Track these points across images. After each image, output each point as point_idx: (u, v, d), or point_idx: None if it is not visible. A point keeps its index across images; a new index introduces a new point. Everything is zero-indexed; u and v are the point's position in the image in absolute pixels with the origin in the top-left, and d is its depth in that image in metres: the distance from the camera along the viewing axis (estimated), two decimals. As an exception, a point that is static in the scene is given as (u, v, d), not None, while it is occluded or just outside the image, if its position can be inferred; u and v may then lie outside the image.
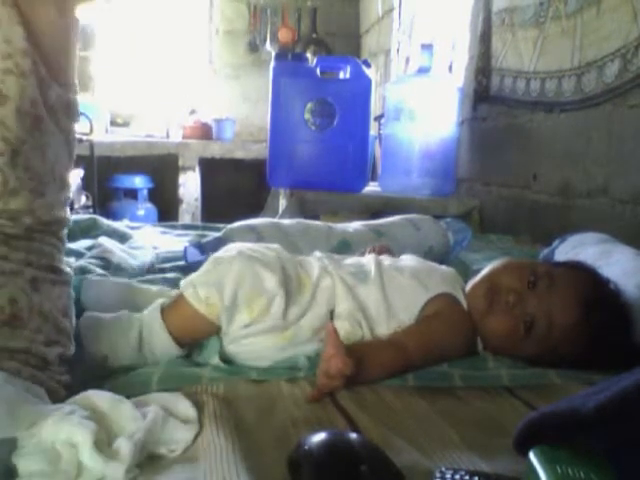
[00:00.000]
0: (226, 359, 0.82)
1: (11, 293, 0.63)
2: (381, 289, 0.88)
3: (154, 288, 0.98)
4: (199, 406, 0.67)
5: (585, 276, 0.89)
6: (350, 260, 0.95)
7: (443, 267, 0.99)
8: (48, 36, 0.66)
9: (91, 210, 2.96)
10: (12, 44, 0.61)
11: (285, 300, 0.81)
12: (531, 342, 0.85)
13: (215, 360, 0.81)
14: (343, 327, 0.85)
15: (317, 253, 0.97)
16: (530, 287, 0.86)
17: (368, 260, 0.94)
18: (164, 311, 0.83)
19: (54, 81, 0.67)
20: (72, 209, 2.41)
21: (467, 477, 0.52)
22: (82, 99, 0.73)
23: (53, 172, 0.68)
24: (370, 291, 0.88)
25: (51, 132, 0.67)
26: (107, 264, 1.17)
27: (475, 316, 0.89)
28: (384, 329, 0.86)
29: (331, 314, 0.86)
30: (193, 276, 0.83)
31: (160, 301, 0.85)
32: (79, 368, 0.72)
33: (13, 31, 0.62)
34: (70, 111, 0.70)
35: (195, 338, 0.83)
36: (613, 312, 0.86)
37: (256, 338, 0.81)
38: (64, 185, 0.71)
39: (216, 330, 0.82)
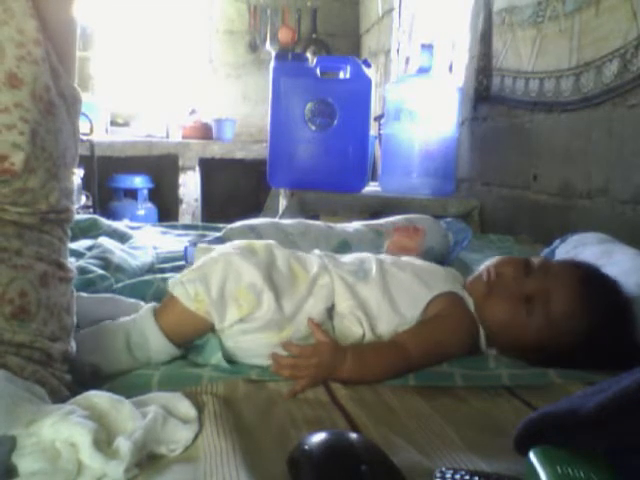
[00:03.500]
0: (227, 358, 0.82)
1: (21, 286, 0.64)
2: (383, 287, 0.88)
3: (140, 303, 0.98)
4: (199, 406, 0.67)
5: (581, 266, 0.91)
6: (350, 258, 0.95)
7: (445, 267, 0.99)
8: (58, 29, 0.70)
9: (91, 210, 2.96)
10: (25, 34, 0.65)
11: (274, 294, 0.81)
12: (532, 327, 0.85)
13: (215, 360, 0.80)
14: (343, 325, 0.85)
15: (316, 251, 0.97)
16: (527, 274, 0.88)
17: (369, 258, 0.95)
18: (156, 313, 0.83)
19: (64, 72, 0.70)
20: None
21: (467, 477, 0.52)
22: (82, 99, 0.74)
23: (64, 158, 0.70)
24: (371, 289, 0.88)
25: (62, 120, 0.69)
26: (107, 264, 1.17)
27: (477, 302, 0.89)
28: (386, 327, 0.86)
29: (330, 312, 0.86)
30: (180, 275, 0.84)
31: (151, 305, 0.85)
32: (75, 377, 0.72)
33: (26, 22, 0.66)
34: (77, 105, 0.73)
35: (189, 336, 0.83)
36: (612, 297, 0.87)
37: (254, 335, 0.81)
38: (71, 176, 0.73)
39: (209, 327, 0.82)
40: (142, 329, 0.81)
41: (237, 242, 0.89)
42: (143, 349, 0.81)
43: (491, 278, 0.90)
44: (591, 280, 0.88)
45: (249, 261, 0.83)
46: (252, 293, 0.80)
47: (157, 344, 0.81)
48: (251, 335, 0.81)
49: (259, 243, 0.89)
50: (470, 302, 0.90)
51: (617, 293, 0.88)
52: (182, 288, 0.81)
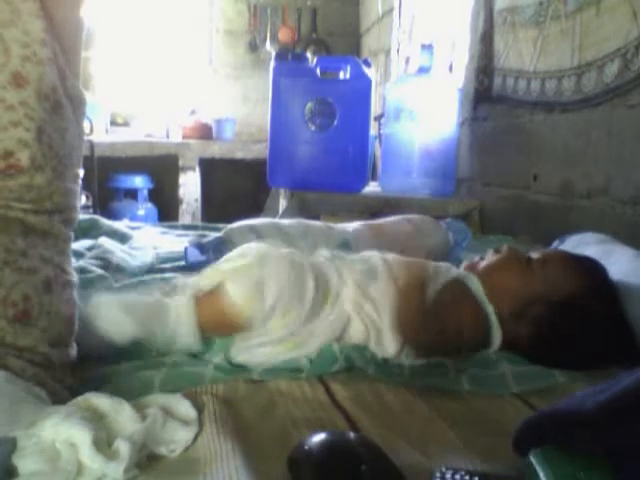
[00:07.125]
0: (230, 360, 0.81)
1: (25, 290, 0.65)
2: (393, 282, 0.88)
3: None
4: (199, 407, 0.67)
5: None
6: (357, 257, 0.95)
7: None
8: (66, 30, 0.70)
9: (91, 210, 2.96)
10: (31, 35, 0.66)
11: (309, 313, 0.81)
12: (532, 280, 0.89)
13: (218, 359, 0.80)
14: (359, 329, 0.85)
15: (324, 252, 0.96)
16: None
17: (373, 255, 0.95)
18: (198, 299, 0.82)
19: (70, 73, 0.71)
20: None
21: (467, 477, 0.52)
22: (87, 101, 0.75)
23: (71, 157, 0.70)
24: (383, 287, 0.88)
25: (69, 119, 0.70)
26: (107, 264, 1.17)
27: (480, 268, 0.95)
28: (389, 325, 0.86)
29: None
30: (239, 266, 0.84)
31: (192, 290, 0.84)
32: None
33: (33, 23, 0.66)
34: (82, 106, 0.73)
35: (217, 333, 0.83)
36: (603, 273, 0.93)
37: (267, 347, 0.81)
38: (76, 177, 0.73)
39: (240, 329, 0.82)
40: (179, 316, 0.80)
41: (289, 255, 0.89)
42: (173, 334, 0.80)
43: (489, 254, 0.98)
44: (586, 260, 0.95)
45: (309, 274, 0.83)
46: (297, 310, 0.81)
47: (187, 337, 0.80)
48: (267, 348, 0.81)
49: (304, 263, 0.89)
50: (474, 280, 0.92)
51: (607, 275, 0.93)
52: (236, 287, 0.81)
